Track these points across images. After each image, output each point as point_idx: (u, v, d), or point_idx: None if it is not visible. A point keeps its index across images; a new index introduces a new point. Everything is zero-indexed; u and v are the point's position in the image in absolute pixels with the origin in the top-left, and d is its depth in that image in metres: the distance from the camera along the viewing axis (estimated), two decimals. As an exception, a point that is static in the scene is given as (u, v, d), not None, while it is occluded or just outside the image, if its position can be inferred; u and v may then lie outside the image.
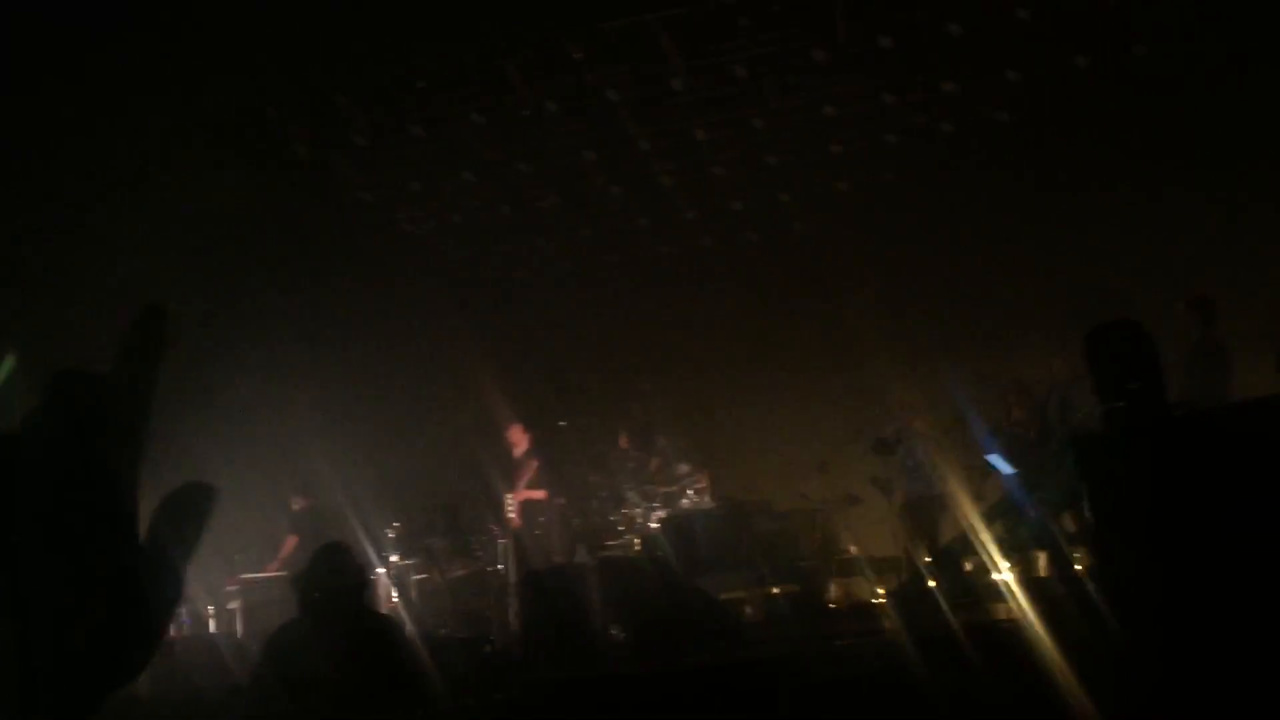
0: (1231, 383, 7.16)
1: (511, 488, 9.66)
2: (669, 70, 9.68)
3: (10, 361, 9.21)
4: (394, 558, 9.59)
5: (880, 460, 9.25)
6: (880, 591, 9.04)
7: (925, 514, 9.15)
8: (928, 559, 8.75)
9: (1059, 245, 10.31)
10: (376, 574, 9.12)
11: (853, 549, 9.47)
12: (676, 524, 9.58)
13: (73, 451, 3.03)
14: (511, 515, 9.51)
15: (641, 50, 9.53)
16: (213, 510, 3.37)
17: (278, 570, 10.12)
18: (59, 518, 2.85)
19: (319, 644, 4.93)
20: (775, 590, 9.38)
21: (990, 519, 7.21)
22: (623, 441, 10.46)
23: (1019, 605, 6.38)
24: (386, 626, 5.50)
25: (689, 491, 10.21)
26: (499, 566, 9.75)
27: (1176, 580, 3.27)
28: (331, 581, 5.12)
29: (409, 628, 6.98)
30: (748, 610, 9.21)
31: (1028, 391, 8.60)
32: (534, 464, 9.65)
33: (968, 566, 7.26)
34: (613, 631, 7.26)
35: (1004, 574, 7.19)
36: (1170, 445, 3.48)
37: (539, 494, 9.57)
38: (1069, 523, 6.29)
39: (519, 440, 9.98)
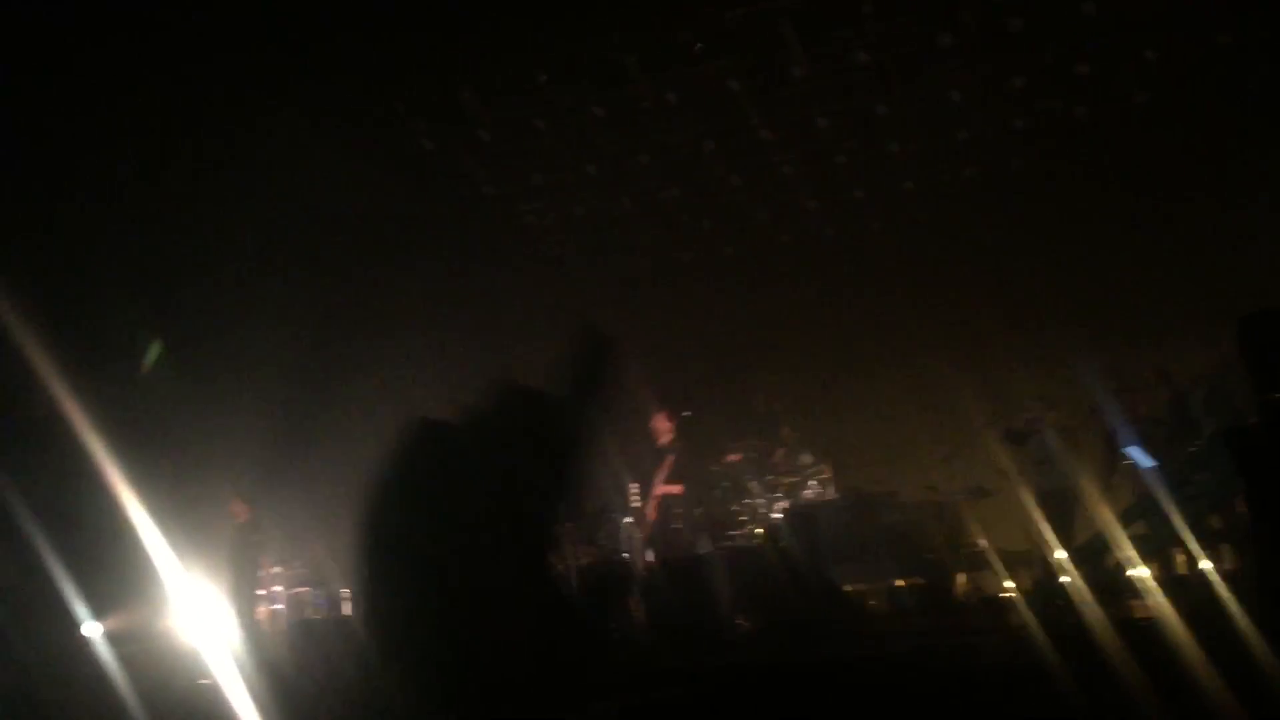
0: None
1: (649, 478, 9.65)
2: (789, 58, 9.63)
3: (158, 346, 9.66)
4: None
5: (1012, 452, 9.04)
6: (1009, 585, 8.86)
7: (1058, 507, 8.92)
8: (1060, 553, 8.55)
9: (1201, 232, 9.90)
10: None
11: (981, 542, 9.26)
12: (800, 515, 9.51)
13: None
14: (647, 508, 9.53)
15: (761, 39, 9.49)
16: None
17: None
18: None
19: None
20: (900, 583, 9.27)
21: (1129, 514, 6.99)
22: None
23: (1159, 603, 6.20)
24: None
25: (812, 482, 10.14)
26: (624, 554, 9.83)
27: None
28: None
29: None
30: (872, 603, 9.13)
31: (1170, 382, 8.32)
32: (671, 458, 9.63)
33: (1104, 562, 7.06)
34: (739, 621, 7.26)
35: (1143, 570, 6.98)
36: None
37: (676, 488, 9.56)
38: (1217, 519, 6.08)
39: (663, 429, 9.92)
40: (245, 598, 10.06)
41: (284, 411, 10.14)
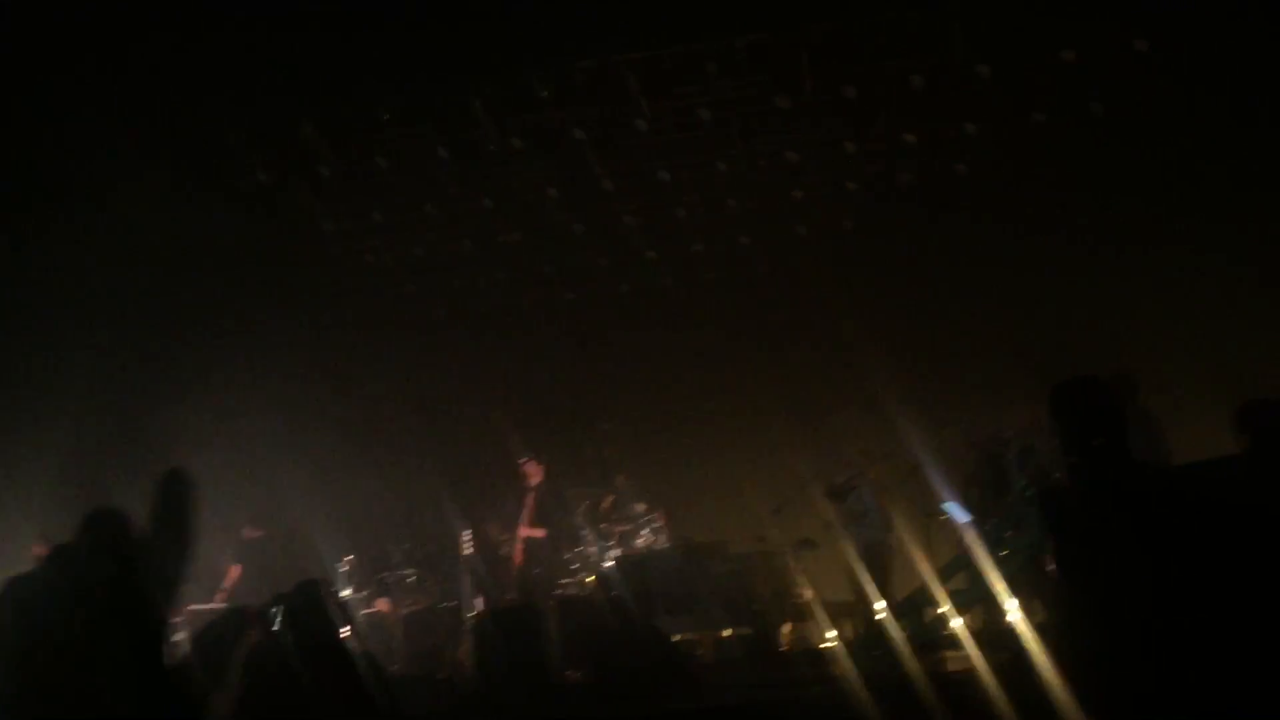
0: (1166, 449, 7.38)
1: (514, 523, 9.53)
2: (635, 111, 9.77)
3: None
4: (345, 591, 9.46)
5: (835, 506, 9.30)
6: (832, 636, 9.06)
7: (877, 560, 9.22)
8: (880, 605, 8.80)
9: (1020, 296, 10.45)
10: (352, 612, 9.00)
11: (807, 593, 9.47)
12: (631, 563, 9.54)
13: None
14: (512, 550, 9.38)
15: (608, 90, 9.62)
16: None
17: (223, 601, 9.93)
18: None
19: (296, 674, 4.90)
20: (728, 633, 9.37)
21: (948, 569, 7.26)
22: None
23: (974, 655, 6.43)
24: (367, 662, 5.46)
25: (644, 531, 10.18)
26: (452, 603, 9.66)
27: (1141, 636, 3.32)
28: (312, 617, 5.10)
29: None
30: (701, 652, 9.19)
31: (985, 441, 8.70)
32: (533, 500, 9.53)
33: (922, 615, 7.30)
34: (568, 672, 7.20)
35: (959, 623, 7.23)
36: (1136, 501, 3.54)
37: (540, 532, 9.44)
38: (1029, 575, 6.35)
39: (532, 473, 9.83)
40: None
41: (106, 444, 9.67)
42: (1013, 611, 6.12)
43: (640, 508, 10.35)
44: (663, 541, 10.09)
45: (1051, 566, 4.62)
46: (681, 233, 11.57)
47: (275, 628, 5.46)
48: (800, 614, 9.53)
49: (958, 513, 8.32)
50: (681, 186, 10.87)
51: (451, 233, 11.45)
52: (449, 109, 9.78)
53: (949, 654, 7.34)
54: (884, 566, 9.19)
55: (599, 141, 10.12)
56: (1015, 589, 6.19)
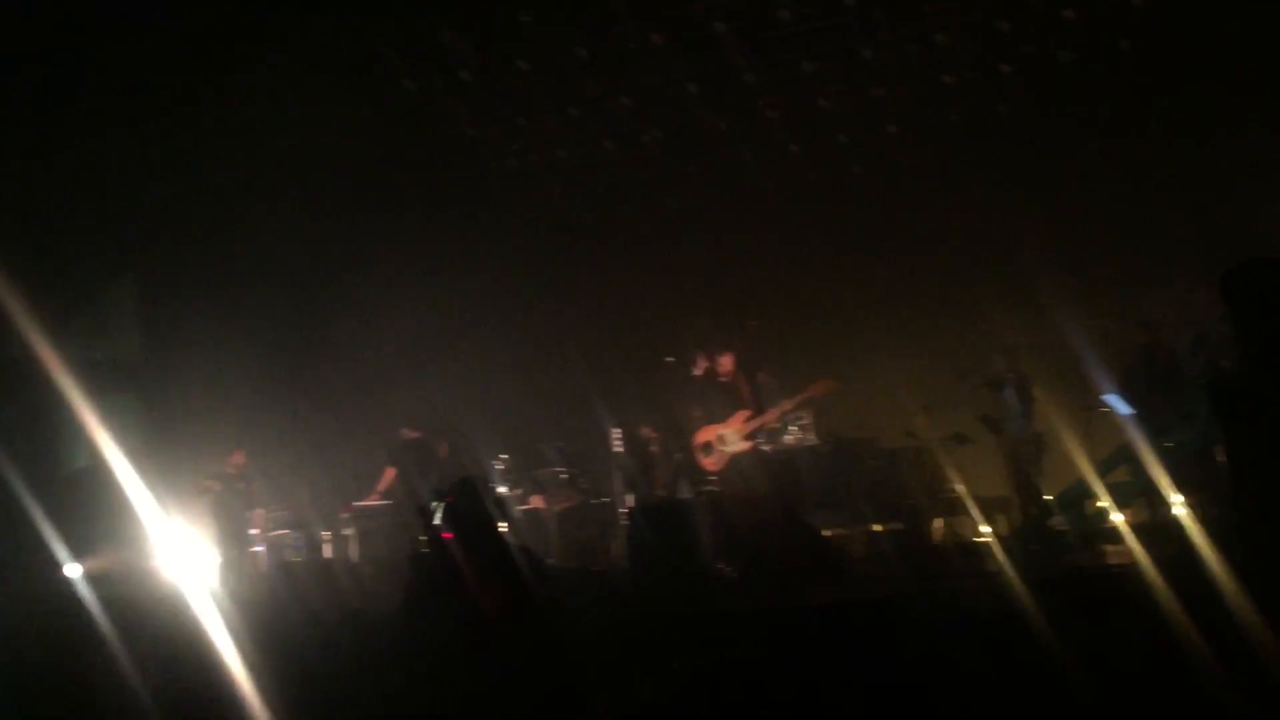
0: None
1: (714, 419, 9.28)
2: (776, 1, 9.50)
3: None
4: (501, 489, 9.77)
5: (992, 399, 9.10)
6: (985, 531, 8.96)
7: (1033, 454, 9.02)
8: (1035, 499, 8.64)
9: (1189, 179, 9.88)
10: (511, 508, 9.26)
11: (959, 488, 9.34)
12: (781, 460, 9.54)
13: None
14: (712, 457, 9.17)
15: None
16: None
17: (379, 500, 10.38)
18: None
19: (460, 570, 5.11)
20: (878, 527, 9.35)
21: (1109, 462, 7.05)
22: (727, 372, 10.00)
23: (1136, 549, 6.27)
24: (525, 556, 5.65)
25: (793, 428, 10.15)
26: (604, 500, 9.88)
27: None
28: (476, 511, 5.30)
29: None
30: (851, 547, 9.21)
31: (1151, 330, 8.36)
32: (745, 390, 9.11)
33: (1083, 508, 7.13)
34: (720, 566, 7.30)
35: (1119, 517, 7.06)
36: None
37: (771, 415, 9.05)
38: (1197, 468, 6.14)
39: (726, 364, 9.49)
40: (235, 543, 10.11)
41: (268, 355, 10.12)
42: (1179, 505, 5.93)
43: (788, 405, 10.28)
44: (811, 438, 10.05)
45: (1223, 458, 4.45)
46: (826, 125, 11.28)
47: (436, 522, 5.68)
48: (952, 509, 9.43)
49: (1119, 405, 8.04)
50: (825, 77, 10.56)
51: (593, 134, 11.42)
52: (588, 8, 9.68)
53: (1110, 548, 7.18)
54: (1039, 461, 8.98)
55: (740, 34, 9.88)
56: (1182, 482, 5.98)
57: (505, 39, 9.98)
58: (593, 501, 10.01)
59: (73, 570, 6.31)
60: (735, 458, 8.47)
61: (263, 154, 9.57)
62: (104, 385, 7.99)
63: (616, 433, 9.74)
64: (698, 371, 9.27)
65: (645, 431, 10.55)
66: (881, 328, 11.23)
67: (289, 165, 9.80)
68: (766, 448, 9.72)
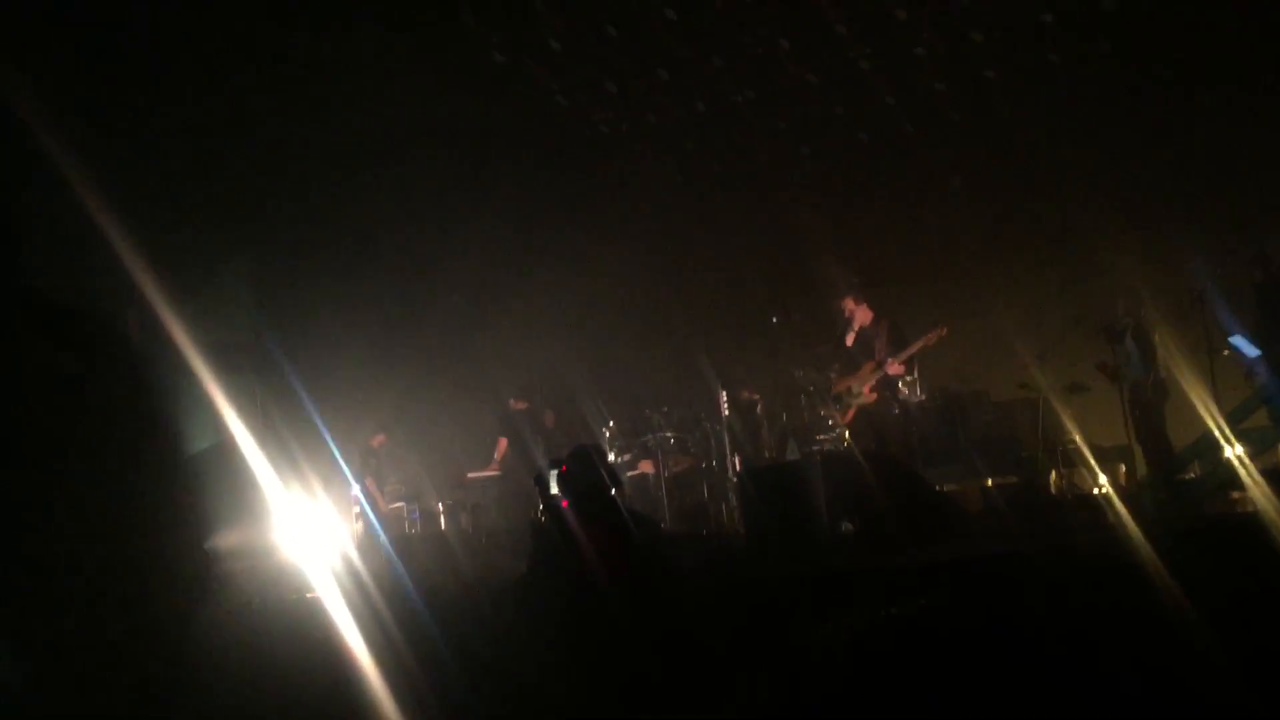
0: None
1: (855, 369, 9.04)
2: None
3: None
4: (610, 455, 9.82)
5: (1110, 347, 8.84)
6: (1104, 482, 8.74)
7: (1156, 402, 8.75)
8: (1161, 449, 8.39)
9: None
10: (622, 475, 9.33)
11: (1076, 438, 9.11)
12: (890, 415, 9.42)
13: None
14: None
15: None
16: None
17: (496, 470, 10.52)
18: None
19: (580, 537, 5.16)
20: (992, 482, 9.19)
21: (1242, 408, 6.81)
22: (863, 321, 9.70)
23: (1266, 497, 6.06)
24: (643, 522, 5.69)
25: (900, 384, 10.01)
26: (713, 463, 9.87)
27: None
28: (591, 479, 5.34)
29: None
30: (967, 502, 9.07)
31: (1269, 266, 8.02)
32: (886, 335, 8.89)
33: (1215, 456, 6.91)
34: (844, 525, 7.24)
35: (1249, 465, 6.83)
36: None
37: (898, 367, 8.84)
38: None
39: (862, 314, 9.24)
40: (372, 515, 10.37)
41: (381, 333, 10.30)
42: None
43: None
44: (919, 394, 9.89)
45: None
46: (921, 73, 11.00)
47: (553, 490, 5.74)
48: (1070, 460, 9.21)
49: (1246, 346, 7.74)
50: (919, 24, 10.29)
51: (683, 97, 11.31)
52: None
53: (1234, 497, 6.96)
54: (1163, 408, 8.71)
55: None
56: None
57: (592, 3, 9.92)
58: (702, 465, 10.02)
59: (211, 546, 6.52)
60: (862, 410, 8.39)
61: (363, 131, 9.68)
62: (223, 366, 8.18)
63: (723, 395, 9.70)
64: (847, 315, 9.18)
65: (748, 394, 10.52)
66: (991, 276, 10.99)
67: (390, 143, 9.91)
68: (890, 399, 9.57)
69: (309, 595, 6.40)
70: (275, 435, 7.56)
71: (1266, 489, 6.09)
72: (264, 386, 9.40)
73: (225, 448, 6.71)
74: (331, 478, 10.05)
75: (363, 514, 10.65)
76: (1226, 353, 8.28)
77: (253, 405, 9.07)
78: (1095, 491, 8.77)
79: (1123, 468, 9.06)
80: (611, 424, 10.20)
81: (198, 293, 9.49)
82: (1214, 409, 7.02)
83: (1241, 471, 6.65)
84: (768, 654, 4.61)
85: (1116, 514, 7.13)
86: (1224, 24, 9.75)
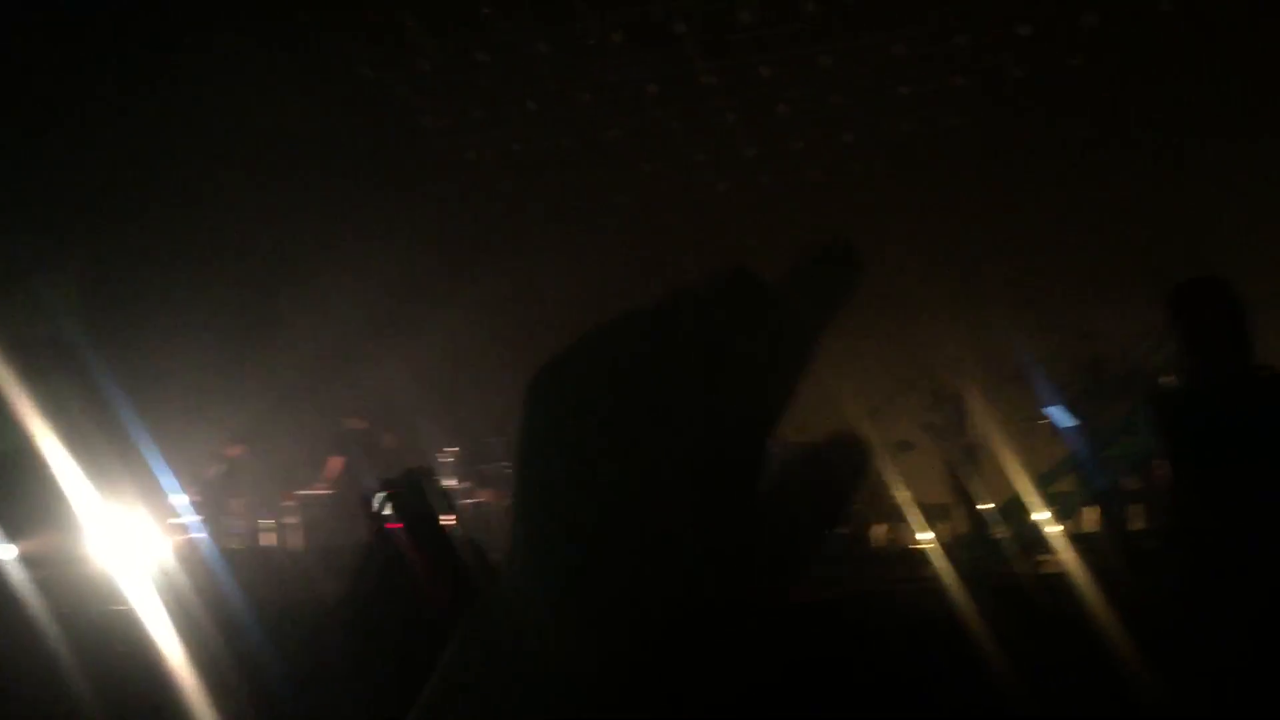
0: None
1: None
2: (738, 3, 9.54)
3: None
4: (448, 482, 9.70)
5: (936, 409, 9.20)
6: (927, 538, 9.04)
7: (975, 464, 9.14)
8: (980, 508, 8.75)
9: (1132, 196, 10.07)
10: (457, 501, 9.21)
11: (902, 495, 9.42)
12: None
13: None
14: None
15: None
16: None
17: (326, 489, 10.27)
18: None
19: (407, 560, 5.06)
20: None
21: (1052, 474, 7.16)
22: None
23: (1072, 560, 6.37)
24: (471, 548, 5.62)
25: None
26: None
27: (1259, 541, 3.25)
28: (418, 504, 5.24)
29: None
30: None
31: (1094, 344, 8.50)
32: None
33: (1023, 518, 7.24)
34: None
35: (1060, 527, 7.16)
36: (1258, 403, 3.44)
37: None
38: (1137, 480, 6.25)
39: None
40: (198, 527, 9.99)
41: (217, 340, 9.98)
42: (1108, 515, 6.05)
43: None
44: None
45: (1163, 470, 4.53)
46: (782, 130, 11.34)
47: (383, 512, 5.63)
48: (894, 515, 9.50)
49: (1061, 417, 8.17)
50: (784, 82, 10.62)
51: (550, 129, 11.38)
52: (549, 2, 9.65)
53: (1046, 558, 7.28)
54: (981, 470, 9.10)
55: (700, 34, 9.91)
56: (1124, 495, 6.09)
57: (465, 29, 9.91)
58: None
59: (6, 551, 6.18)
60: None
61: (216, 135, 9.41)
62: (41, 365, 7.80)
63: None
64: None
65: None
66: (830, 334, 11.28)
67: (242, 148, 9.65)
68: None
69: (115, 608, 6.12)
70: (87, 441, 7.22)
71: (1069, 552, 6.41)
72: (82, 390, 8.99)
73: (21, 451, 6.39)
74: (158, 487, 9.67)
75: (185, 526, 10.24)
76: (1042, 422, 8.72)
77: (65, 409, 8.66)
78: (917, 546, 9.06)
79: (944, 525, 9.39)
80: (457, 449, 10.09)
81: (19, 289, 9.04)
82: (1022, 474, 7.37)
83: (1047, 533, 6.98)
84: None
85: (935, 568, 7.37)
86: (1058, 105, 10.33)
